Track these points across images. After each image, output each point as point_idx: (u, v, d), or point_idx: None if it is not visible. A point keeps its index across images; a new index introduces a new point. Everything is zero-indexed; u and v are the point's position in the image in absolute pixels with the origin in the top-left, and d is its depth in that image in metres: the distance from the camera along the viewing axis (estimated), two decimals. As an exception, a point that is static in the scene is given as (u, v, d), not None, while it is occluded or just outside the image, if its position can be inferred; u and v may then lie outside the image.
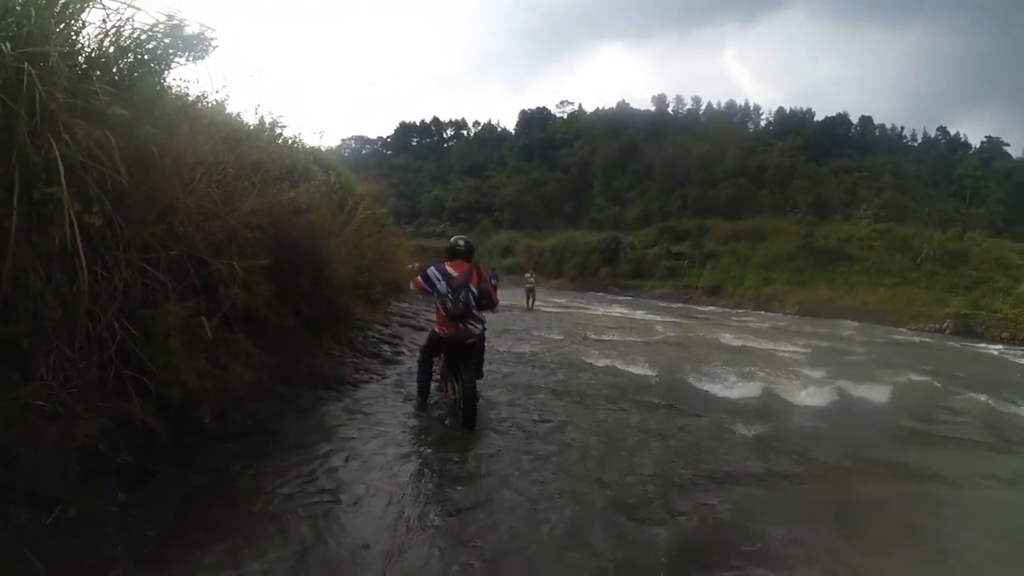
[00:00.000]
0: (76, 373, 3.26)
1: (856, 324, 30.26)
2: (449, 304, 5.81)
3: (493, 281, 5.89)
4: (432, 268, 6.04)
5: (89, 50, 4.06)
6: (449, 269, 5.92)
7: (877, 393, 9.39)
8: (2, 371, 2.90)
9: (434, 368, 6.58)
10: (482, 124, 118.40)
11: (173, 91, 5.13)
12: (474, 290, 5.86)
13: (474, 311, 5.95)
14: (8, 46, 3.06)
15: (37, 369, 3.06)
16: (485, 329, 6.39)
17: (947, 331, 30.03)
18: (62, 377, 3.18)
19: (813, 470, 5.48)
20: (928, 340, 24.65)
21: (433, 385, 6.61)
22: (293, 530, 3.37)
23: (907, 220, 53.65)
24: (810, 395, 8.67)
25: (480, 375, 6.23)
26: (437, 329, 6.07)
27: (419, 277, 6.13)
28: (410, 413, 6.04)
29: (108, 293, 3.47)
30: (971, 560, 4.02)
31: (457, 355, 6.00)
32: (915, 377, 11.74)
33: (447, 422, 5.88)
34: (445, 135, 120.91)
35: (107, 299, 3.46)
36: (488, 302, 6.16)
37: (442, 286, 5.84)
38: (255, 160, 5.96)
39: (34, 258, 3.11)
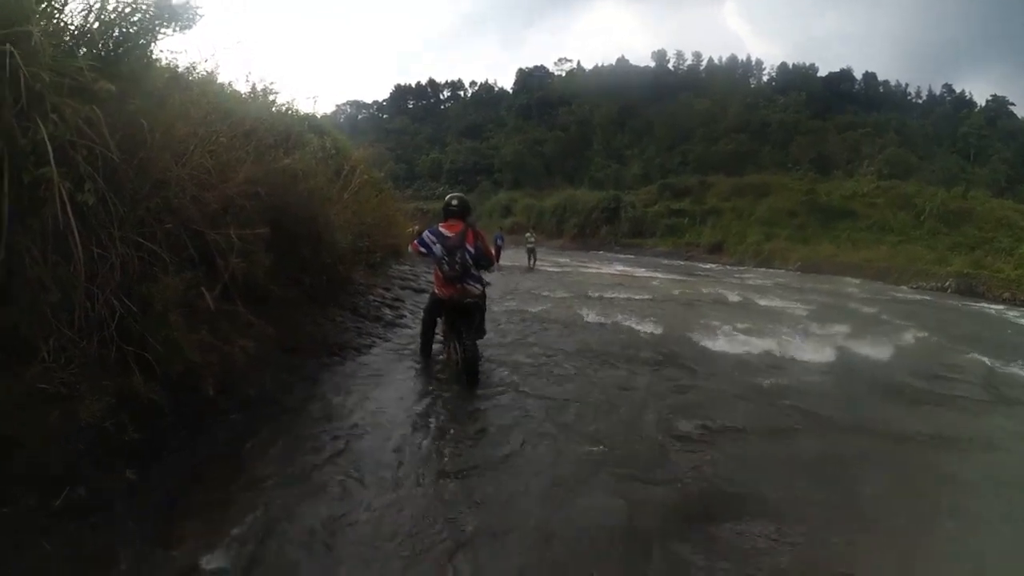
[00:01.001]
0: (78, 353, 3.26)
1: (858, 281, 30.22)
2: (446, 266, 5.82)
3: (499, 242, 5.82)
4: (427, 231, 6.05)
5: (73, 27, 4.00)
6: (443, 230, 5.91)
7: (878, 350, 9.42)
8: (2, 356, 2.89)
9: (437, 329, 6.62)
10: (479, 84, 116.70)
11: (161, 63, 5.06)
12: (470, 249, 5.87)
13: (472, 271, 5.95)
14: (-12, 27, 3.00)
15: (38, 352, 3.07)
16: (486, 287, 6.40)
17: (949, 290, 29.87)
18: (63, 358, 3.18)
19: (813, 425, 5.53)
20: (929, 298, 24.59)
21: (437, 347, 6.67)
22: (302, 502, 3.41)
23: (911, 177, 53.06)
24: (811, 351, 8.69)
25: (482, 334, 6.25)
26: (437, 291, 6.12)
27: (416, 241, 6.13)
28: (414, 375, 6.10)
29: (105, 271, 3.46)
30: (964, 515, 4.06)
31: (458, 316, 6.02)
32: (916, 335, 11.78)
33: (450, 382, 5.94)
34: (442, 96, 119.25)
35: (104, 277, 3.45)
36: (486, 261, 6.15)
37: (437, 248, 5.84)
38: (248, 128, 5.89)
39: (28, 241, 3.10)
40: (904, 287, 29.88)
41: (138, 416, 3.49)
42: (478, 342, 6.03)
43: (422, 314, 6.73)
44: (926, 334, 12.21)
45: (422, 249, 6.00)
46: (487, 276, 6.54)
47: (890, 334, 11.17)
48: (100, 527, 2.86)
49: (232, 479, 3.59)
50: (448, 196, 6.28)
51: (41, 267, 3.12)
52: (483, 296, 6.24)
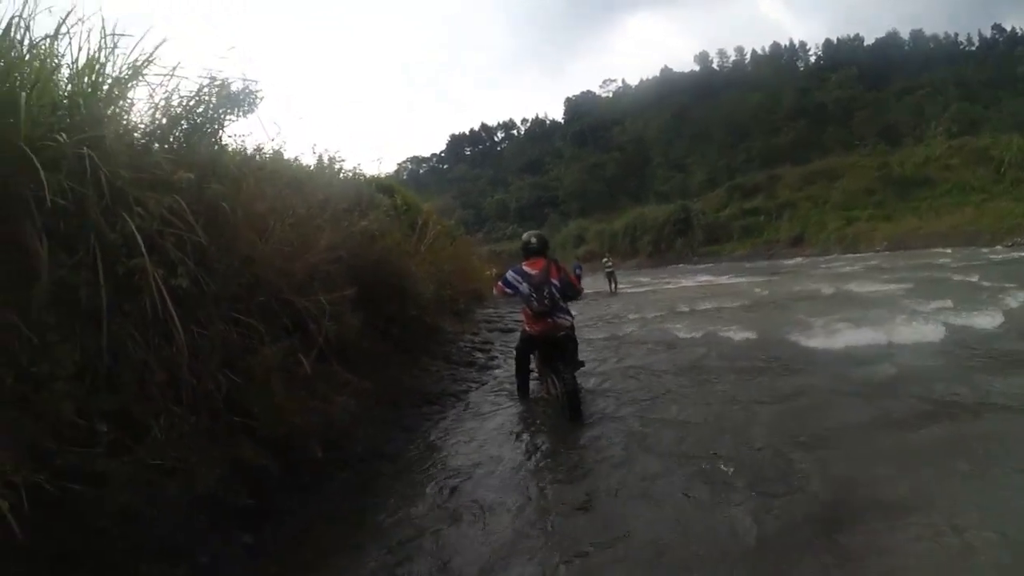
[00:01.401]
0: (187, 428, 3.37)
1: (949, 250, 28.66)
2: (535, 303, 5.81)
3: (578, 271, 5.96)
4: (510, 271, 6.09)
5: (143, 125, 4.23)
6: (527, 268, 5.93)
7: (986, 320, 8.73)
8: (117, 438, 3.01)
9: (531, 367, 6.57)
10: (530, 120, 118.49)
11: (231, 147, 5.29)
12: (555, 283, 5.84)
13: (560, 304, 5.92)
14: (64, 136, 3.19)
15: (149, 430, 3.18)
16: (575, 318, 6.32)
17: None
18: (175, 433, 3.29)
19: (934, 411, 5.07)
20: None
21: (534, 384, 6.61)
22: (411, 561, 3.35)
23: (981, 130, 50.55)
24: (917, 333, 8.14)
25: (579, 365, 6.14)
26: (527, 328, 6.08)
27: (499, 283, 6.19)
28: (515, 414, 6.03)
29: (206, 347, 3.58)
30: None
31: (551, 350, 6.00)
32: (1021, 297, 10.95)
33: (552, 417, 5.82)
34: (496, 138, 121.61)
35: (206, 353, 3.57)
36: (572, 292, 6.08)
37: (524, 287, 5.85)
38: (322, 198, 6.09)
39: (130, 327, 3.23)
40: (998, 247, 28.09)
41: (249, 482, 3.58)
42: (577, 373, 5.90)
43: (515, 354, 6.67)
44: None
45: (507, 290, 6.04)
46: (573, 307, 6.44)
47: (995, 300, 10.41)
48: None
49: (343, 534, 3.61)
50: (525, 235, 6.30)
51: (144, 350, 3.25)
52: (573, 328, 6.18)
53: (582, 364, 6.31)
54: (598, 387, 6.83)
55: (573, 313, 6.26)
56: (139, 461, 3.03)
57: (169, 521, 3.05)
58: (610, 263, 25.57)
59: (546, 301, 5.78)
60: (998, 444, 4.27)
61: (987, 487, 3.66)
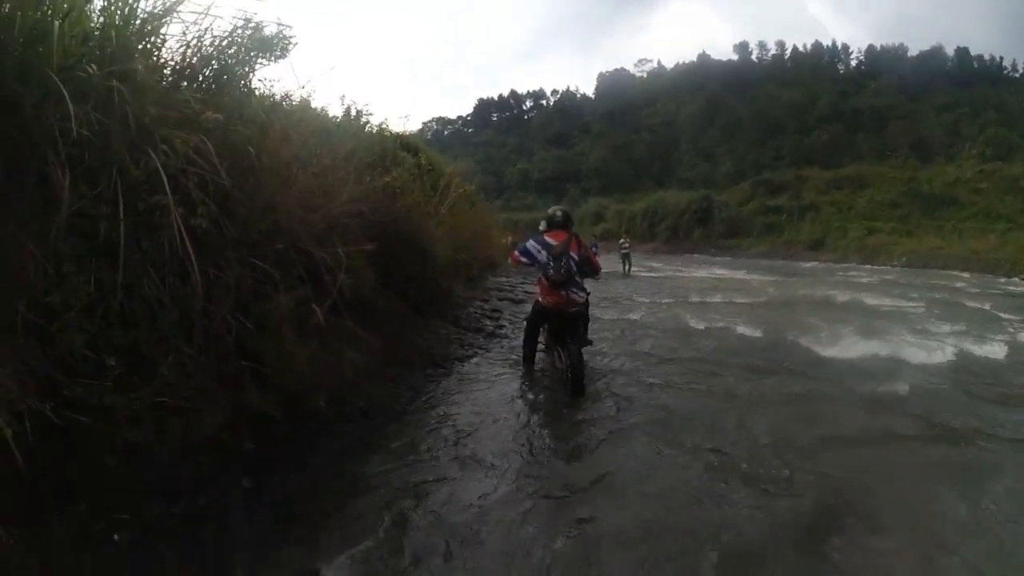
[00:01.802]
0: (196, 369, 3.38)
1: (967, 275, 28.15)
2: (551, 272, 5.86)
3: (594, 249, 6.10)
4: (531, 240, 6.19)
5: (174, 62, 4.18)
6: (548, 239, 6.00)
7: (995, 349, 8.66)
8: (125, 373, 3.02)
9: (540, 338, 6.63)
10: (561, 92, 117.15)
11: (260, 92, 5.24)
12: (575, 256, 5.93)
13: (576, 278, 6.02)
14: (95, 67, 3.15)
15: (157, 368, 3.19)
16: (589, 296, 6.45)
17: None
18: (183, 374, 3.30)
19: (933, 432, 5.10)
20: None
21: (540, 355, 6.67)
22: (407, 515, 3.38)
23: (1015, 158, 49.46)
24: (925, 353, 8.07)
25: (587, 343, 6.28)
26: (541, 299, 6.14)
27: (516, 252, 6.32)
28: (518, 386, 6.06)
29: (221, 290, 3.58)
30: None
31: (562, 324, 6.05)
32: None
33: (554, 390, 5.89)
34: (525, 107, 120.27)
35: (220, 296, 3.57)
36: (590, 268, 6.24)
37: (543, 256, 5.94)
38: (348, 150, 6.04)
39: (146, 265, 3.23)
40: (1017, 279, 27.65)
41: (253, 428, 3.63)
42: (583, 351, 5.93)
43: (525, 323, 6.79)
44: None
45: (523, 259, 6.13)
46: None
47: (1007, 332, 10.29)
48: (219, 533, 2.95)
49: (342, 488, 3.64)
50: (551, 208, 6.41)
51: (160, 289, 3.25)
52: (586, 305, 6.34)
53: (590, 343, 6.45)
54: (603, 366, 6.85)
55: (588, 290, 6.34)
56: (145, 398, 3.04)
57: (170, 460, 3.08)
58: (627, 244, 25.29)
59: (563, 270, 5.84)
60: (992, 472, 4.29)
61: (976, 512, 3.68)
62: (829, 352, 8.16)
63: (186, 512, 2.95)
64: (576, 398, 5.54)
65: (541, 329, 6.56)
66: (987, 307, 14.67)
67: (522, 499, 3.60)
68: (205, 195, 3.54)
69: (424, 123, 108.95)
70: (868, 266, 35.75)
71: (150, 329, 3.21)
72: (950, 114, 67.22)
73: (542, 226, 6.37)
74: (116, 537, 2.66)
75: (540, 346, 6.69)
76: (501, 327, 8.87)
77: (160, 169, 3.25)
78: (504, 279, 13.06)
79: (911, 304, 14.41)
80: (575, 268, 5.93)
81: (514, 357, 6.98)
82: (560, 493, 3.72)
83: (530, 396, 5.77)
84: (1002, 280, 26.88)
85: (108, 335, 3.02)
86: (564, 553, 3.07)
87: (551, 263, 5.86)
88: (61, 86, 2.89)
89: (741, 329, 9.67)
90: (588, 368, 6.07)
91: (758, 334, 9.39)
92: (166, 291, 3.27)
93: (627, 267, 23.82)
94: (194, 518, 2.94)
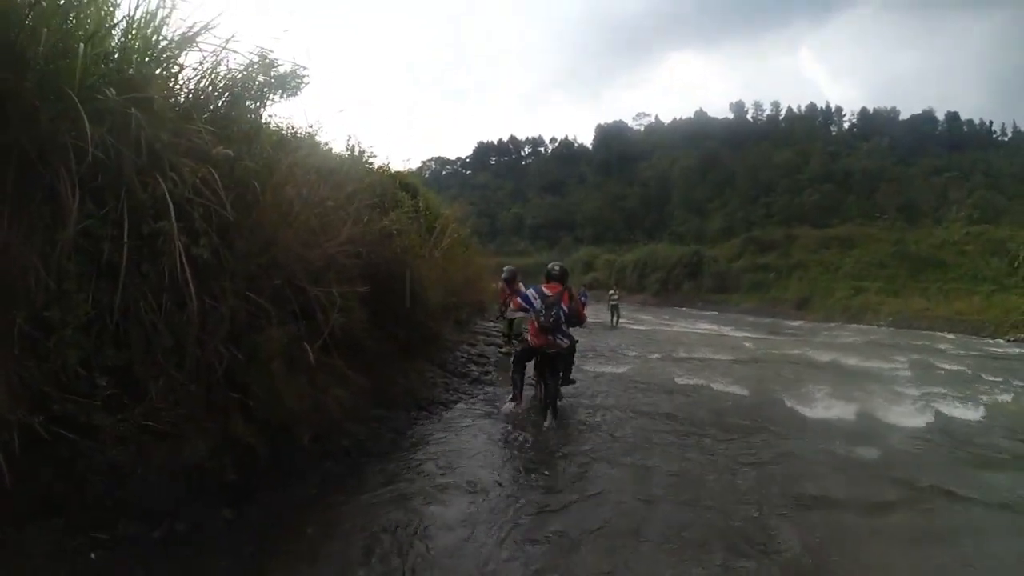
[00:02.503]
0: (185, 396, 3.40)
1: (952, 336, 28.46)
2: (542, 318, 6.59)
3: (583, 299, 6.72)
4: (531, 288, 7.03)
5: (188, 91, 4.27)
6: (545, 290, 6.76)
7: (975, 412, 8.76)
8: (115, 394, 3.04)
9: (530, 376, 7.22)
10: (559, 140, 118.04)
11: (269, 126, 5.33)
12: (564, 308, 6.71)
13: (563, 327, 6.77)
14: (113, 91, 3.23)
15: (147, 392, 3.21)
16: (575, 343, 7.39)
17: None
18: (172, 399, 3.33)
19: (911, 496, 5.13)
20: None
21: (529, 392, 7.31)
22: (386, 550, 3.40)
23: (1002, 221, 50.44)
24: (905, 416, 8.14)
25: (570, 382, 7.61)
26: (529, 339, 6.84)
27: (517, 298, 7.30)
28: (500, 438, 6.06)
29: (216, 320, 3.61)
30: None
31: (545, 363, 6.80)
32: (1014, 394, 10.85)
33: (532, 449, 5.81)
34: (523, 153, 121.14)
35: (214, 326, 3.60)
36: (576, 320, 7.03)
37: (537, 303, 6.69)
38: (350, 191, 6.11)
39: (145, 289, 3.27)
40: (1001, 340, 27.97)
41: (237, 459, 3.63)
42: (568, 389, 7.36)
43: (513, 357, 7.52)
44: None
45: (523, 304, 6.91)
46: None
47: (987, 394, 10.40)
48: (196, 560, 2.95)
49: (323, 524, 3.63)
50: (551, 263, 7.37)
51: (156, 314, 3.29)
52: (571, 350, 7.23)
53: (573, 382, 7.78)
54: (586, 420, 6.91)
55: (577, 338, 7.24)
56: (133, 420, 3.06)
57: (154, 484, 3.08)
58: (616, 296, 25.34)
59: (552, 319, 6.60)
60: (969, 536, 4.37)
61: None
62: (809, 413, 8.18)
63: (165, 537, 2.95)
64: (552, 421, 6.41)
65: (528, 366, 7.16)
66: (969, 368, 14.79)
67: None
68: (208, 225, 3.61)
69: (423, 162, 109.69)
70: (854, 325, 35.89)
71: (143, 352, 3.24)
72: (939, 177, 68.18)
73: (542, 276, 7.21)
74: (93, 556, 2.67)
75: (531, 381, 7.26)
76: (487, 373, 8.87)
77: (167, 195, 3.32)
78: (492, 324, 13.04)
79: (894, 365, 14.49)
80: (563, 318, 6.71)
81: (498, 405, 7.07)
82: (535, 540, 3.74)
83: (509, 451, 5.73)
84: (987, 341, 27.18)
85: (102, 355, 3.06)
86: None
87: (543, 311, 6.60)
88: (80, 106, 2.96)
89: (724, 387, 9.69)
90: (573, 423, 6.61)
91: (743, 392, 9.42)
92: (162, 316, 3.32)
93: (615, 319, 23.85)
94: (172, 543, 2.95)
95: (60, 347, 2.86)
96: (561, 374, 7.07)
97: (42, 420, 2.69)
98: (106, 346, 3.10)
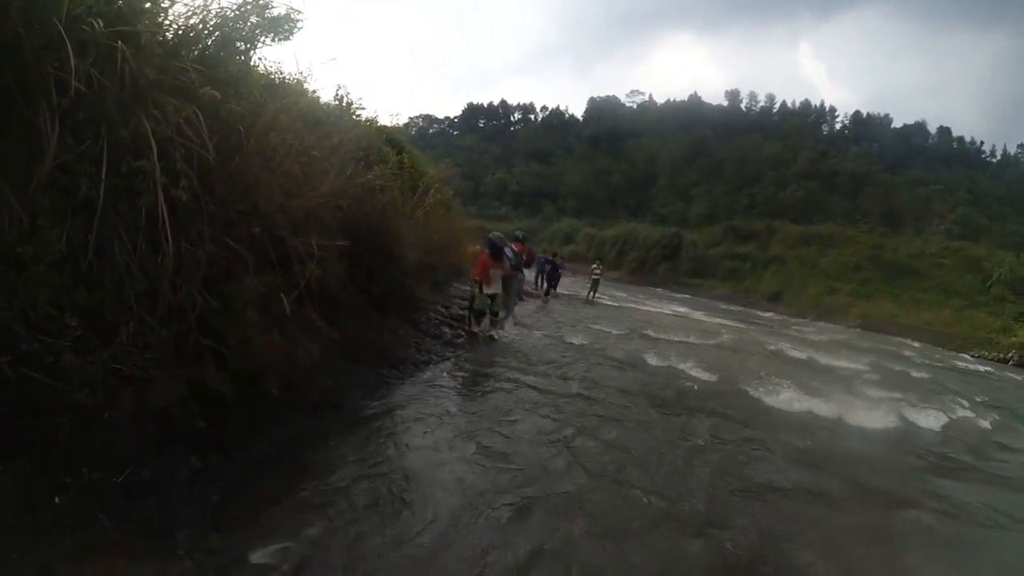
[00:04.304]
0: (155, 340, 3.36)
1: (918, 345, 29.06)
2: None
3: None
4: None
5: (177, 27, 4.15)
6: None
7: (932, 421, 8.96)
8: (85, 335, 3.00)
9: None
10: (550, 109, 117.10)
11: (258, 70, 5.21)
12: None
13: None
14: (100, 23, 3.13)
15: (118, 334, 3.17)
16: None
17: (1011, 362, 28.53)
18: (142, 343, 3.28)
19: (863, 494, 5.26)
20: (990, 369, 23.30)
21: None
22: (350, 502, 3.46)
23: (980, 240, 51.48)
24: (865, 416, 8.31)
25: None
26: (477, 277, 9.49)
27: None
28: (468, 399, 6.18)
29: (191, 265, 3.56)
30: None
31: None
32: (973, 408, 11.12)
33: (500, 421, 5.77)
34: (513, 118, 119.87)
35: (190, 271, 3.55)
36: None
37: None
38: (335, 142, 6.01)
39: (120, 229, 3.21)
40: (965, 355, 28.60)
41: (206, 407, 3.61)
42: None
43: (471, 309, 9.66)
44: (983, 408, 11.54)
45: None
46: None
47: (947, 405, 10.61)
48: (159, 508, 2.95)
49: (288, 477, 3.66)
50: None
51: (130, 255, 3.23)
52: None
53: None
54: (558, 390, 7.00)
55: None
56: (101, 362, 3.02)
57: (120, 428, 3.06)
58: (599, 270, 25.37)
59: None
60: (919, 538, 4.53)
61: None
62: (773, 403, 8.34)
63: (129, 483, 2.93)
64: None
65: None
66: (931, 377, 15.12)
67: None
68: (189, 168, 3.53)
69: (411, 119, 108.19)
70: (823, 323, 36.46)
71: (115, 294, 3.18)
72: (924, 189, 69.08)
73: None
74: (57, 500, 2.65)
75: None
76: (459, 336, 8.89)
77: (149, 134, 3.24)
78: (468, 288, 13.05)
79: (859, 367, 14.71)
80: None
81: (468, 368, 7.23)
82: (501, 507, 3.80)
83: (482, 425, 5.59)
84: (951, 354, 27.74)
85: (73, 295, 2.99)
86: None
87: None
88: (65, 37, 2.87)
89: (693, 371, 9.77)
90: (541, 395, 6.71)
91: (708, 377, 9.51)
92: (136, 258, 3.26)
93: (592, 293, 23.89)
94: (137, 490, 2.94)
95: (31, 284, 2.80)
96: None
97: (9, 359, 2.64)
98: (78, 286, 3.04)
